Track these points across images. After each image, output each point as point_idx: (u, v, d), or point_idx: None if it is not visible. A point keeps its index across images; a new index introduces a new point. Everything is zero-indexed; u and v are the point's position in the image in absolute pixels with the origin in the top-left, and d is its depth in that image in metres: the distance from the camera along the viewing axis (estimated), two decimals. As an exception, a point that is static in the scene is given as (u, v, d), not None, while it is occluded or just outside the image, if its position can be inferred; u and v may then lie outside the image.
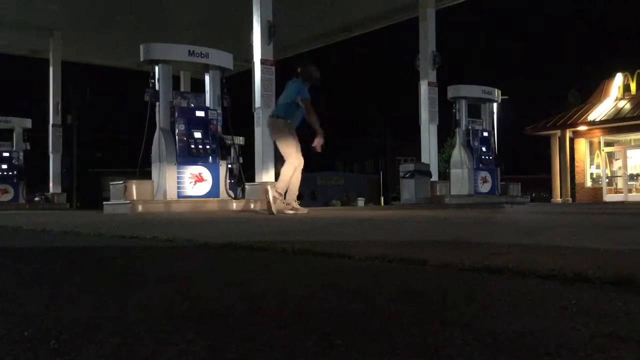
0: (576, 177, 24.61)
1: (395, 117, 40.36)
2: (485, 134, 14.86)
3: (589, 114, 23.37)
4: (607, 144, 24.49)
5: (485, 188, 14.65)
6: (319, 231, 4.38)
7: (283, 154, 7.67)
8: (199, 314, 1.38)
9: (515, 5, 61.51)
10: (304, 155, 7.65)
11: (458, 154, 14.74)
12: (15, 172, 17.81)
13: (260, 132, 11.08)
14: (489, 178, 14.75)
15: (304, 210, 7.61)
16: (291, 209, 7.49)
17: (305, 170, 7.81)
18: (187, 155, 9.94)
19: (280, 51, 14.50)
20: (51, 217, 8.43)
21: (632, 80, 22.80)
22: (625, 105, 22.61)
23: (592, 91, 24.74)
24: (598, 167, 24.45)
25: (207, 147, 10.12)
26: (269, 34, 11.42)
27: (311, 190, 27.90)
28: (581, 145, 24.45)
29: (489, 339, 1.09)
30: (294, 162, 7.46)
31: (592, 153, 24.58)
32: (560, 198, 24.23)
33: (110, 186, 10.56)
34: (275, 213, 7.28)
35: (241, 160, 14.03)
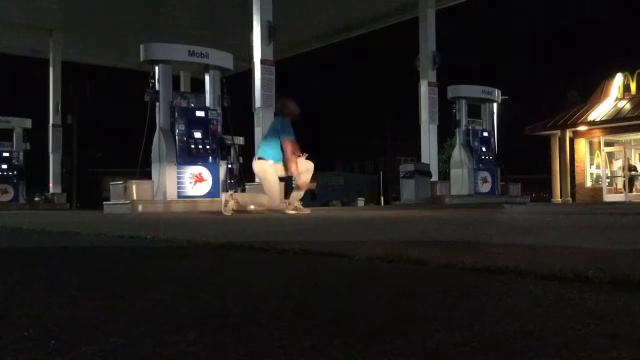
0: (576, 177, 24.60)
1: (395, 117, 40.39)
2: (485, 134, 14.85)
3: (589, 114, 23.36)
4: (607, 144, 24.47)
5: (485, 188, 14.64)
6: (318, 231, 4.38)
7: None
8: (199, 314, 1.38)
9: (515, 5, 61.57)
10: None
11: (458, 154, 14.74)
12: (15, 172, 17.80)
13: (260, 132, 11.09)
14: (489, 178, 14.74)
15: (306, 211, 7.65)
16: (293, 209, 7.52)
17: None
18: (187, 155, 9.95)
19: (280, 51, 14.50)
20: (51, 217, 8.43)
21: (632, 80, 22.78)
22: (625, 105, 22.59)
23: (592, 91, 24.73)
24: (598, 167, 24.43)
25: (207, 147, 10.13)
26: (269, 34, 11.43)
27: (311, 190, 27.81)
28: (581, 145, 24.44)
29: (489, 339, 1.09)
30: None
31: (592, 153, 24.57)
32: (561, 198, 24.21)
33: (110, 186, 10.58)
34: (225, 213, 7.36)
35: (241, 160, 14.04)
